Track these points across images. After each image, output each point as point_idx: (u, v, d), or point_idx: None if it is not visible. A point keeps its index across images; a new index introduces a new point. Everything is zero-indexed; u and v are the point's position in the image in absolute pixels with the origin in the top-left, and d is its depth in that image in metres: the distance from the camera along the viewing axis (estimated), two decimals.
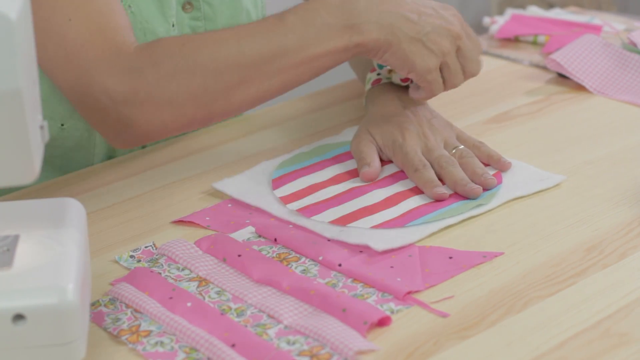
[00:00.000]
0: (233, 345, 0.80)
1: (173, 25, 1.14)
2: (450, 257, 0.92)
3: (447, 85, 1.09)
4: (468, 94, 1.30)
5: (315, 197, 1.03)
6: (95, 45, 1.01)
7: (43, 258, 0.76)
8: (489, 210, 1.01)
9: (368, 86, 1.18)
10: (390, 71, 1.16)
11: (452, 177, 1.03)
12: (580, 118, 1.25)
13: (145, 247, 0.96)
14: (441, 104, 1.28)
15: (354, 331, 0.81)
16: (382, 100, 1.14)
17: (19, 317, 0.72)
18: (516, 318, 0.84)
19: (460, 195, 1.02)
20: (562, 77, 1.36)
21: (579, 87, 1.33)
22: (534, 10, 1.63)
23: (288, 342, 0.81)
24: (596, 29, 1.51)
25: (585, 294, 0.87)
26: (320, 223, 0.99)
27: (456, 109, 1.26)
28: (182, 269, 0.92)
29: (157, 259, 0.94)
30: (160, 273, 0.91)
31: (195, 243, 0.96)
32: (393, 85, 1.16)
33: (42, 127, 0.77)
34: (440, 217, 0.99)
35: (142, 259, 0.94)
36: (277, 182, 1.06)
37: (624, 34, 1.50)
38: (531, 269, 0.91)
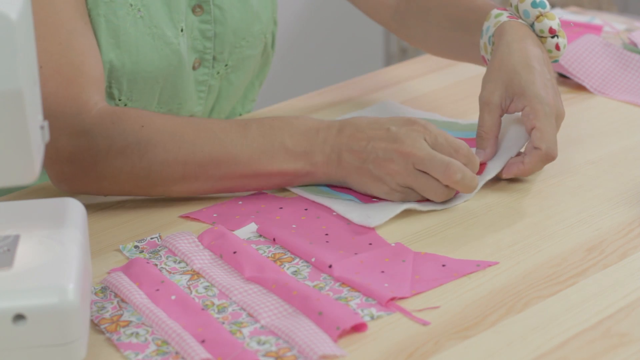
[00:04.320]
0: (203, 341, 0.80)
1: (182, 30, 1.14)
2: (444, 265, 0.92)
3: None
4: (469, 94, 1.30)
5: None
6: (58, 100, 1.01)
7: (43, 258, 0.76)
8: (488, 210, 1.02)
9: (493, 23, 1.12)
10: (538, 17, 1.10)
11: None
12: (580, 118, 1.25)
13: (151, 238, 0.98)
14: (442, 103, 1.28)
15: (325, 335, 0.81)
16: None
17: (19, 317, 0.72)
18: (516, 318, 0.84)
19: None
20: (563, 77, 1.36)
21: (579, 87, 1.33)
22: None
23: (258, 342, 0.81)
24: (596, 29, 1.51)
25: (585, 294, 0.87)
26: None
27: (457, 110, 1.26)
28: (179, 262, 0.93)
29: (158, 251, 0.95)
30: (156, 264, 0.92)
31: (198, 237, 0.96)
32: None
33: (42, 127, 0.77)
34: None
35: (145, 250, 0.96)
36: None
37: (625, 34, 1.50)
38: (531, 269, 0.91)
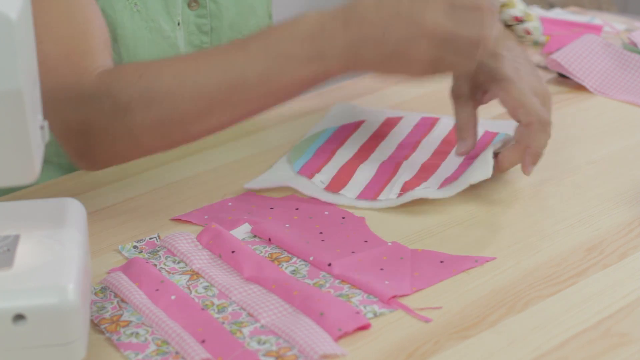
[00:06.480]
0: (203, 341, 0.80)
1: (179, 24, 1.14)
2: (442, 262, 0.92)
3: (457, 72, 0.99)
4: None
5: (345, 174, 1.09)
6: (58, 72, 0.99)
7: (43, 258, 0.76)
8: (488, 210, 1.01)
9: None
10: (502, 5, 1.08)
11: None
12: (580, 118, 1.25)
13: (150, 238, 0.97)
14: (441, 104, 1.28)
15: (326, 334, 0.81)
16: None
17: (19, 317, 0.72)
18: (516, 318, 0.84)
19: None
20: (563, 77, 1.36)
21: (579, 87, 1.33)
22: (534, 11, 1.63)
23: (259, 342, 0.81)
24: (596, 29, 1.51)
25: (585, 294, 0.87)
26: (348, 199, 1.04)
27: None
28: (178, 262, 0.93)
29: (157, 251, 0.95)
30: (156, 265, 0.92)
31: (197, 237, 0.96)
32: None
33: (42, 127, 0.77)
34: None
35: (144, 250, 0.96)
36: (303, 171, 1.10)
37: (625, 34, 1.51)
38: (531, 269, 0.91)
